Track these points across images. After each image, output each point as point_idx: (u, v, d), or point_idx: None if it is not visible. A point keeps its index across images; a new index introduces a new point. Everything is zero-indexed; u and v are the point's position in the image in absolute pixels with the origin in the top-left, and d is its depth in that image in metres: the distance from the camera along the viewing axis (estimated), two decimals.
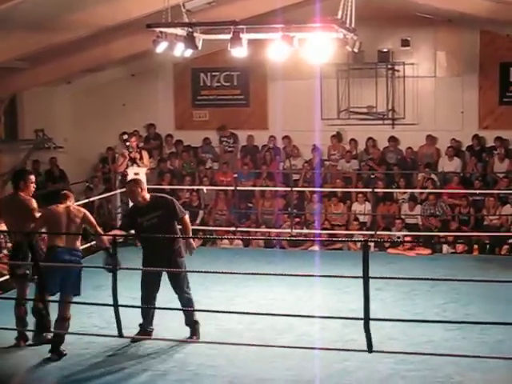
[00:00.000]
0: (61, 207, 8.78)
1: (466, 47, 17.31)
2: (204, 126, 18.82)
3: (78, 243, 8.92)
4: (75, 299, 8.93)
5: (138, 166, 14.16)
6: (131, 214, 9.44)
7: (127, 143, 14.57)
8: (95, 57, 15.40)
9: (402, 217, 15.15)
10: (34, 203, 8.96)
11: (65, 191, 9.22)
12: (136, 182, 9.36)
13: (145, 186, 9.30)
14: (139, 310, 9.18)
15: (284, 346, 8.45)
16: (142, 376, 7.88)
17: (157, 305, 9.16)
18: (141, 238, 9.54)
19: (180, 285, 9.15)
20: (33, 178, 9.19)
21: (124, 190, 13.58)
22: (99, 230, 9.09)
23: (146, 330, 9.16)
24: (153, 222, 9.05)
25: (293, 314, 9.30)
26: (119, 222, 14.09)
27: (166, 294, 9.32)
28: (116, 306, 8.60)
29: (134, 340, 8.97)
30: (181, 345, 8.67)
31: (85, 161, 18.43)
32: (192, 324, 9.10)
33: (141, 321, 9.18)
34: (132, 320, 9.17)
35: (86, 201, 14.58)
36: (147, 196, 9.19)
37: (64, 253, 8.57)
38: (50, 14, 11.96)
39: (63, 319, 8.65)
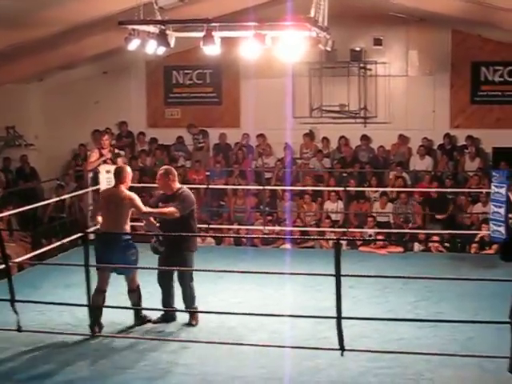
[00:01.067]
0: None
1: (438, 46, 17.42)
2: (176, 124, 18.79)
3: None
4: (49, 298, 8.91)
5: (113, 162, 14.04)
6: (158, 200, 9.76)
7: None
8: (68, 54, 15.30)
9: (374, 215, 15.19)
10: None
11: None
12: (166, 171, 9.63)
13: (174, 176, 9.60)
14: (110, 309, 9.17)
15: (256, 345, 8.44)
16: (114, 374, 7.85)
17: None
18: None
19: (183, 277, 9.44)
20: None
21: (96, 188, 13.55)
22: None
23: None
24: None
25: (265, 313, 9.30)
26: (91, 221, 14.04)
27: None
28: (90, 305, 8.59)
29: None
30: (152, 343, 8.63)
31: (56, 158, 18.32)
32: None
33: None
34: (104, 318, 9.14)
35: (57, 199, 14.51)
36: (176, 186, 9.57)
37: None
38: (23, 10, 11.85)
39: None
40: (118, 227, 9.13)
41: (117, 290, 9.40)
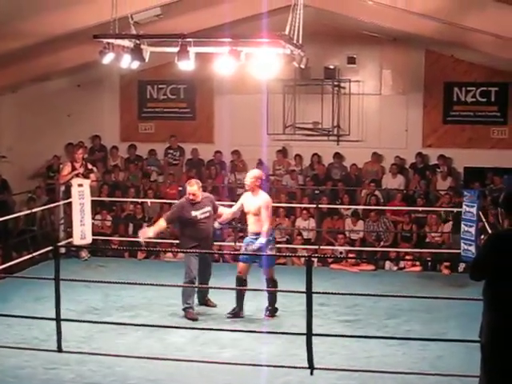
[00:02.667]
0: None
1: (412, 66, 17.56)
2: (150, 139, 18.78)
3: None
4: (18, 312, 8.83)
5: (85, 177, 13.97)
6: (183, 208, 10.54)
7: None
8: (42, 66, 15.25)
9: (346, 233, 15.22)
10: None
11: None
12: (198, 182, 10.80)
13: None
14: (80, 323, 9.14)
15: (225, 363, 8.42)
16: None
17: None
18: None
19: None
20: None
21: (67, 201, 13.50)
22: None
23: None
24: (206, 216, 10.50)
25: (236, 329, 9.30)
26: (62, 234, 13.98)
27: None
28: (58, 320, 8.53)
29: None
30: (121, 358, 8.58)
31: (29, 171, 18.21)
32: None
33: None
34: (73, 333, 9.09)
35: (29, 212, 14.42)
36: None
37: None
38: None
39: None
40: None
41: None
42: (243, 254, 10.25)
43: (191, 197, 10.47)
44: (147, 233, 10.60)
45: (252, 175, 10.47)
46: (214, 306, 10.80)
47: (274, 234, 10.67)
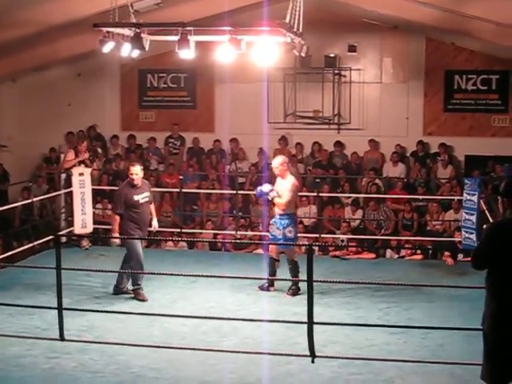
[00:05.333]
0: None
1: (412, 54, 17.53)
2: (150, 128, 18.76)
3: None
4: (19, 301, 8.84)
5: (86, 166, 13.95)
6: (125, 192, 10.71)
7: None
8: (42, 55, 15.22)
9: (348, 220, 15.22)
10: None
11: None
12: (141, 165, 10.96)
13: None
14: (81, 312, 9.16)
15: (227, 351, 8.43)
16: (84, 378, 7.79)
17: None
18: None
19: None
20: None
21: (68, 190, 13.48)
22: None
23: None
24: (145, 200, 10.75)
25: (237, 318, 9.31)
26: (63, 223, 13.99)
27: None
28: (60, 309, 8.55)
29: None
30: (123, 347, 8.60)
31: (29, 160, 18.19)
32: None
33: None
34: (75, 322, 9.10)
35: (29, 201, 14.40)
36: None
37: None
38: None
39: None
40: None
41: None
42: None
43: (133, 177, 10.55)
44: (115, 241, 10.91)
45: (278, 162, 10.76)
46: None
47: (294, 217, 10.96)
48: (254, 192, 11.51)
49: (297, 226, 11.03)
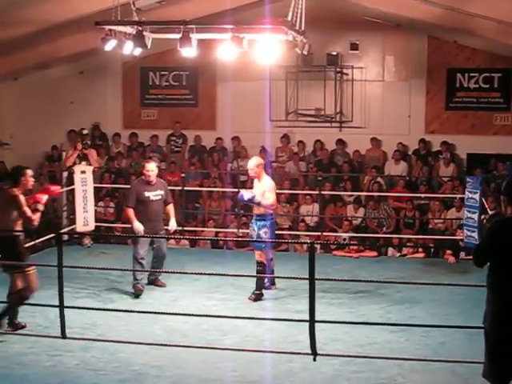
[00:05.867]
0: None
1: (414, 52, 17.51)
2: (152, 125, 18.77)
3: None
4: None
5: (90, 164, 13.96)
6: (137, 188, 11.00)
7: (85, 135, 14.39)
8: (44, 53, 15.23)
9: (349, 218, 15.22)
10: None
11: None
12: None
13: None
14: (83, 310, 9.17)
15: (229, 349, 8.44)
16: (86, 376, 7.80)
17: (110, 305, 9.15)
18: None
19: None
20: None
21: (70, 188, 13.50)
22: None
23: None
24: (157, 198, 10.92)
25: (238, 316, 9.31)
26: (65, 221, 14.00)
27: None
28: (61, 306, 8.55)
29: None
30: (125, 345, 8.60)
31: (31, 158, 18.17)
32: None
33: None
34: (77, 320, 9.11)
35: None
36: None
37: None
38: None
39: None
40: None
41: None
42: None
43: (148, 173, 10.79)
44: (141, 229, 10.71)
45: (254, 164, 10.55)
46: (164, 285, 11.13)
47: (271, 219, 10.60)
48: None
49: (273, 228, 10.67)
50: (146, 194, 10.72)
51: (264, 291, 10.65)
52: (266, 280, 10.74)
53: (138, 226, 10.58)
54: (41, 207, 9.18)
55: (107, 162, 17.49)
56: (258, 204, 10.32)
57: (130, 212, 10.74)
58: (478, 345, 6.48)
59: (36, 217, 9.01)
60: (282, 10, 10.75)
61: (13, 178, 9.11)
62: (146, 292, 10.76)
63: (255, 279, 10.48)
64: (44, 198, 9.22)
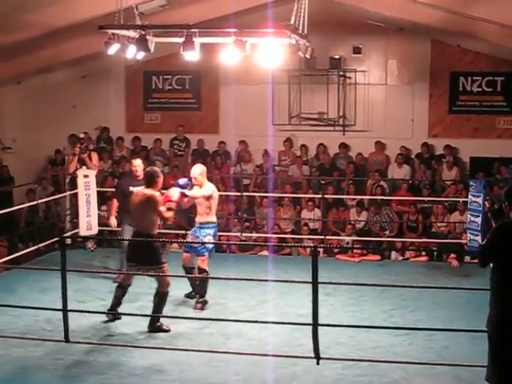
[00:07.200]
0: None
1: (417, 56, 17.50)
2: (155, 129, 18.76)
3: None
4: (24, 303, 8.87)
5: (88, 167, 13.95)
6: (124, 181, 11.78)
7: (81, 139, 14.39)
8: (47, 57, 15.23)
9: (352, 222, 15.21)
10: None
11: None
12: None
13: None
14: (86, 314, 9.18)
15: (232, 352, 8.44)
16: (88, 380, 7.81)
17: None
18: None
19: None
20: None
21: (74, 192, 13.49)
22: None
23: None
24: None
25: (242, 320, 9.31)
26: (68, 225, 14.01)
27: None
28: (65, 310, 8.56)
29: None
30: (128, 349, 8.60)
31: (34, 162, 18.21)
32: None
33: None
34: (80, 324, 9.11)
35: (34, 203, 14.42)
36: None
37: None
38: (2, 13, 11.81)
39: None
40: None
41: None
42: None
43: (136, 168, 11.43)
44: (112, 222, 11.62)
45: (198, 172, 10.65)
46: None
47: (215, 227, 10.58)
48: (259, 194, 11.39)
49: (216, 236, 10.63)
50: (131, 188, 10.89)
51: (267, 294, 10.64)
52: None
53: (112, 222, 11.64)
54: (173, 205, 9.57)
55: (111, 166, 17.49)
56: (186, 194, 10.24)
57: (112, 204, 11.78)
58: (482, 348, 6.47)
59: (170, 215, 9.46)
60: (285, 14, 10.75)
61: (149, 180, 9.46)
62: (148, 295, 10.74)
63: (198, 288, 10.42)
64: (175, 194, 9.68)
